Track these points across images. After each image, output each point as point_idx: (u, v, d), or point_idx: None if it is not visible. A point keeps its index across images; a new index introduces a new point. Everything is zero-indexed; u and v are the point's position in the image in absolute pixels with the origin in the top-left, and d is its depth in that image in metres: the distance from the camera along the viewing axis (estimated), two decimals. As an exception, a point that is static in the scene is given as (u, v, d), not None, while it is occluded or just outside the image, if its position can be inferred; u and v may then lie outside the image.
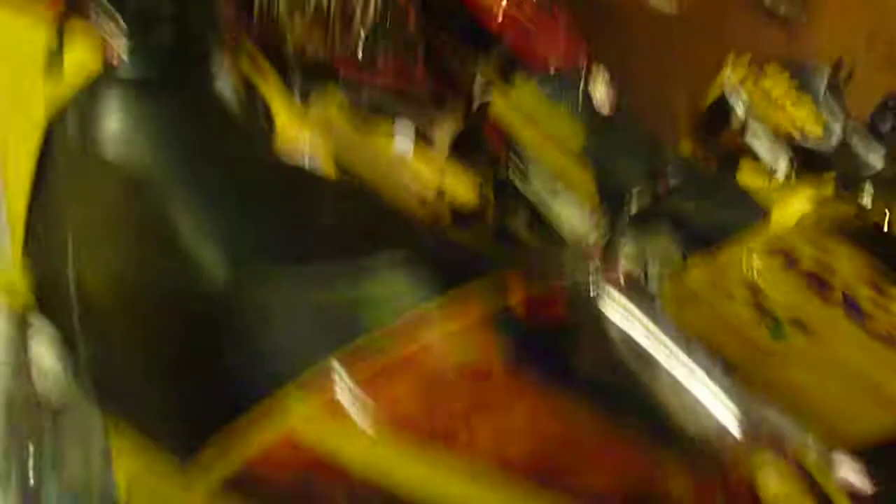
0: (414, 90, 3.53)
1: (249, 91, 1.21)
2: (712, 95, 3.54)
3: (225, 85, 1.04)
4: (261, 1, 1.16)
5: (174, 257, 0.63)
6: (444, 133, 3.13)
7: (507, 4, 4.14)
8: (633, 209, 1.86)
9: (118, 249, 0.73)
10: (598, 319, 0.53)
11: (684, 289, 2.09)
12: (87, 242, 0.77)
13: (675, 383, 0.52)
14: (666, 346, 0.54)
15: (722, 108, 3.50)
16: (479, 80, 4.11)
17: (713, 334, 2.07)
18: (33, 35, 0.98)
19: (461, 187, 2.57)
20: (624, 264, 1.61)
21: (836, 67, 3.64)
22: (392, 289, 0.49)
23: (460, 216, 2.59)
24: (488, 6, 4.15)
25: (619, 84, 3.78)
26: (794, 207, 2.07)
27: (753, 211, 2.14)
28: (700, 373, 0.55)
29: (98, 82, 0.93)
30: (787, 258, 1.94)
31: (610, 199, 2.43)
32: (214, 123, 0.94)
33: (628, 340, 0.53)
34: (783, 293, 1.93)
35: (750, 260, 1.99)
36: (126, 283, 0.69)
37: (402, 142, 2.55)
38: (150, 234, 0.71)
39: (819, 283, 1.90)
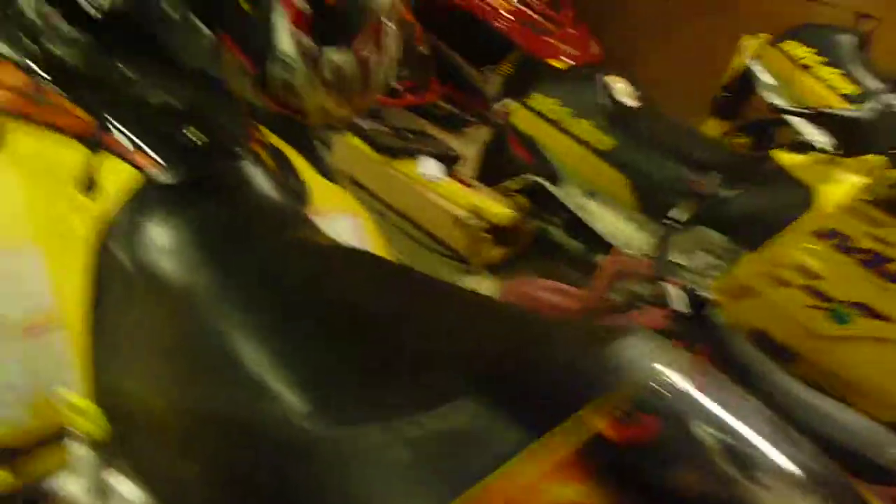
0: (434, 106, 3.52)
1: (279, 159, 1.21)
2: (733, 69, 3.48)
3: (255, 166, 1.04)
4: (274, 72, 1.15)
5: (243, 390, 0.63)
6: (470, 146, 3.11)
7: (511, 1, 4.11)
8: (680, 213, 1.81)
9: (184, 376, 0.73)
10: (690, 426, 0.51)
11: (736, 282, 2.04)
12: (152, 368, 0.78)
13: (779, 486, 0.50)
14: (763, 440, 0.52)
15: (745, 81, 3.44)
16: (494, 82, 4.09)
17: (771, 325, 2.02)
18: (66, 155, 0.98)
19: (495, 203, 2.55)
20: (678, 280, 1.58)
21: (858, 20, 3.55)
22: (481, 441, 0.48)
23: (498, 231, 2.58)
24: (495, 6, 4.12)
25: (633, 70, 3.72)
26: (840, 184, 2.01)
27: (797, 191, 2.08)
28: (802, 460, 0.53)
29: (137, 195, 0.93)
30: (841, 239, 1.88)
31: (648, 198, 2.39)
32: (256, 222, 0.94)
33: (723, 443, 0.51)
34: (840, 276, 1.87)
35: (801, 244, 1.93)
36: (195, 414, 0.68)
37: (426, 166, 2.54)
38: (215, 360, 0.70)
39: (877, 260, 1.83)
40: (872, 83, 3.11)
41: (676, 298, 1.41)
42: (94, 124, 0.98)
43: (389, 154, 2.57)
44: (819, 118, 2.11)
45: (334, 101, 1.26)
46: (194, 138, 0.96)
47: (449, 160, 2.68)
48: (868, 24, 3.52)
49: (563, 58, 3.97)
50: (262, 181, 1.01)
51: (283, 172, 1.17)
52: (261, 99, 1.27)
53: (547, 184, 2.58)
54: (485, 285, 2.43)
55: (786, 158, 2.19)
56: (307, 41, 1.13)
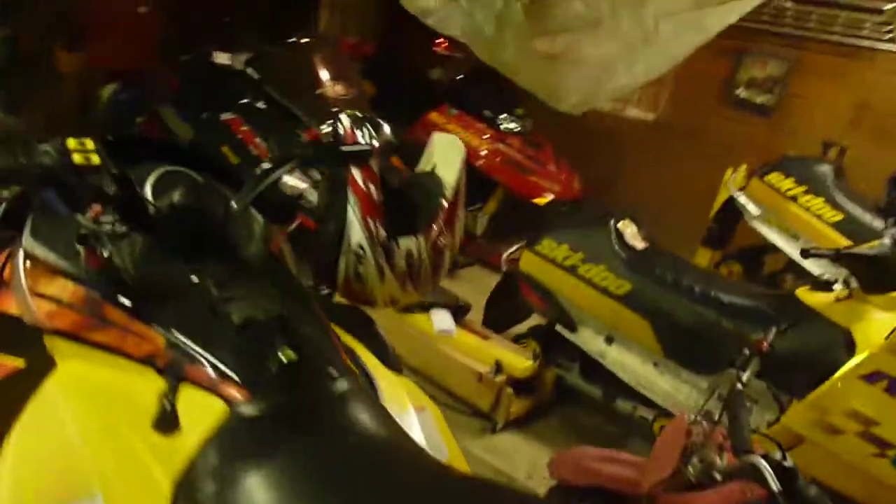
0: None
1: (354, 361, 1.10)
2: (719, 201, 3.56)
3: (348, 382, 0.93)
4: (346, 266, 1.07)
5: None
6: (465, 288, 3.04)
7: (491, 142, 4.19)
8: (747, 374, 1.74)
9: None
10: None
11: (787, 431, 1.95)
12: None
13: None
14: None
15: (731, 211, 3.51)
16: (481, 221, 4.10)
17: (827, 474, 1.91)
18: (135, 384, 0.86)
19: (516, 355, 2.45)
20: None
21: (826, 148, 3.70)
22: None
23: (518, 383, 2.46)
24: (474, 147, 4.19)
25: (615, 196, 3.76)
26: (876, 323, 1.97)
27: (833, 333, 2.04)
28: None
29: (223, 432, 0.80)
30: (889, 381, 1.82)
31: (670, 341, 2.33)
32: (359, 460, 0.82)
33: None
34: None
35: (851, 390, 1.86)
36: None
37: (439, 320, 2.45)
38: None
39: (932, 405, 1.77)
40: (854, 209, 3.21)
41: (766, 473, 1.30)
42: (168, 347, 0.86)
43: (401, 310, 2.47)
44: (841, 258, 2.11)
45: (404, 288, 1.18)
46: (284, 358, 0.85)
47: (459, 311, 2.59)
48: (834, 150, 3.66)
49: (546, 194, 4.03)
50: (357, 403, 0.89)
51: (360, 376, 1.06)
52: (326, 288, 1.18)
53: (565, 331, 2.50)
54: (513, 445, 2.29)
55: (812, 298, 2.17)
56: (380, 230, 1.06)
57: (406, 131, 4.25)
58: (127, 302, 0.90)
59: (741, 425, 1.44)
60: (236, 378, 0.84)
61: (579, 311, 2.50)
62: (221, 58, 3.65)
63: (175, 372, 0.84)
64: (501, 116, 4.25)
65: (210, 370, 0.84)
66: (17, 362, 0.88)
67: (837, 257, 2.09)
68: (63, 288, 0.92)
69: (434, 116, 4.33)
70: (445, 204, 1.15)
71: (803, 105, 3.98)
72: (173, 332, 0.88)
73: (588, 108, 2.06)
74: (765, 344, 1.80)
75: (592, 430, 2.59)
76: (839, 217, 3.16)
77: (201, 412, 0.81)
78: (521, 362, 2.42)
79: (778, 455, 1.37)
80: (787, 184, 3.27)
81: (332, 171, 1.02)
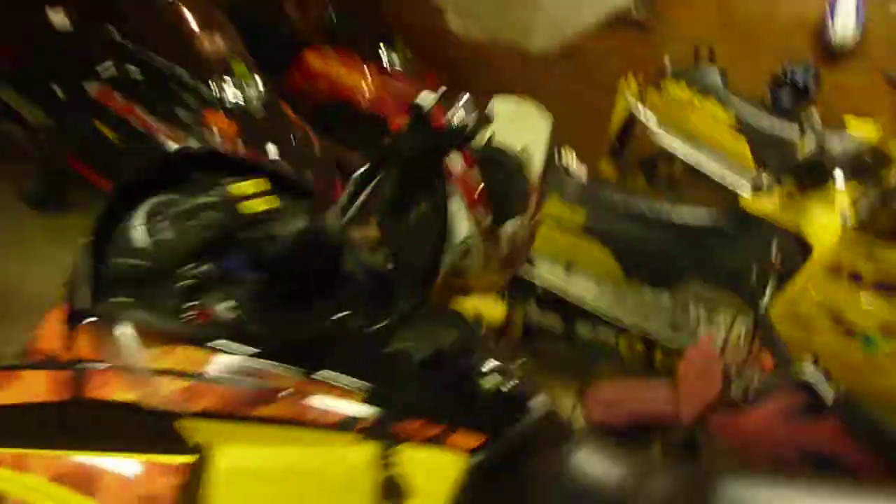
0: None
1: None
2: (618, 118, 3.65)
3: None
4: (448, 262, 0.95)
5: None
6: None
7: (377, 79, 3.98)
8: (769, 297, 1.81)
9: None
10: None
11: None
12: None
13: None
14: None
15: (629, 125, 3.62)
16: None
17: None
18: (332, 458, 0.72)
19: (490, 304, 2.41)
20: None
21: (696, 56, 3.88)
22: None
23: (493, 332, 2.43)
24: (360, 86, 3.97)
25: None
26: (823, 219, 2.13)
27: (783, 236, 2.18)
28: None
29: (468, 485, 0.71)
30: (851, 276, 1.99)
31: (632, 265, 2.41)
32: None
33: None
34: (861, 310, 1.98)
35: (816, 283, 2.02)
36: None
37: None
38: None
39: (888, 288, 1.97)
40: (747, 110, 3.42)
41: (818, 382, 1.39)
42: (364, 402, 0.73)
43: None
44: (790, 170, 2.25)
45: (503, 272, 1.10)
46: (491, 386, 0.76)
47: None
48: (703, 51, 3.85)
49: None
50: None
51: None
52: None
53: (521, 272, 2.50)
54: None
55: (757, 206, 2.31)
56: (484, 217, 0.95)
57: (284, 78, 3.95)
58: (283, 359, 0.75)
59: (777, 341, 1.51)
60: (456, 423, 0.73)
61: (536, 246, 2.49)
62: (57, 18, 3.08)
63: (382, 431, 0.71)
64: (381, 51, 4.06)
65: (423, 420, 0.73)
66: (170, 460, 0.71)
67: (787, 169, 2.24)
68: (193, 357, 0.74)
69: (310, 57, 4.04)
70: (531, 179, 1.06)
71: (676, 16, 4.12)
72: (357, 383, 0.74)
73: (557, 44, 2.00)
74: (779, 265, 1.90)
75: (560, 359, 2.65)
76: (734, 119, 3.37)
77: (435, 471, 0.71)
78: (495, 309, 2.39)
79: (814, 365, 1.46)
80: (684, 92, 3.42)
81: (420, 160, 0.89)
